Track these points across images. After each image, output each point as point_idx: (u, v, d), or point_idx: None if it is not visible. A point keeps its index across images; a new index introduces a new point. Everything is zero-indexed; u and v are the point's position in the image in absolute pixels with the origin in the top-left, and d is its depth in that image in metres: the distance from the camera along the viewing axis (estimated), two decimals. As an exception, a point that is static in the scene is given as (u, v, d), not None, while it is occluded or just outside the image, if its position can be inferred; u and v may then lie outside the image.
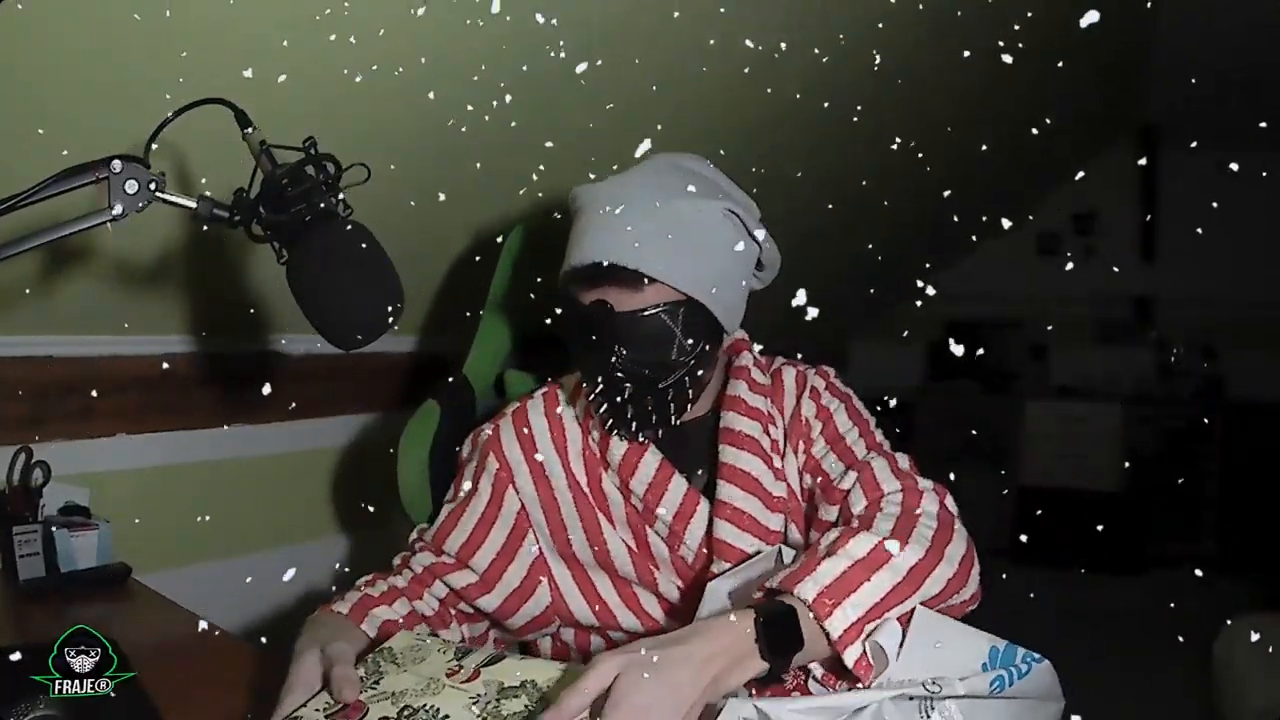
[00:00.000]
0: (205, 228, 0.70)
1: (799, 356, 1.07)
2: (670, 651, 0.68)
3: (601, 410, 0.93)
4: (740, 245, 0.91)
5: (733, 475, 0.94)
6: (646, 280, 0.87)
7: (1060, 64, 2.70)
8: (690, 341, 0.90)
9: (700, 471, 0.99)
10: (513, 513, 0.99)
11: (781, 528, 0.95)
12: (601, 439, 0.98)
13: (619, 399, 0.91)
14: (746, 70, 1.73)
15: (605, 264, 0.86)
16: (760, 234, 0.93)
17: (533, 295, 1.25)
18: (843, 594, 0.74)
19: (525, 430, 1.01)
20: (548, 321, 1.05)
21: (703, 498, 0.95)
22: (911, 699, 0.73)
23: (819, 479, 0.95)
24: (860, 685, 0.75)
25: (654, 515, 0.95)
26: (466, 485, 1.01)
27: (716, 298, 0.90)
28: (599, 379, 0.91)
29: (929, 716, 0.72)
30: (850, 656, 0.73)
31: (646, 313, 0.88)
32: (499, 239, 1.27)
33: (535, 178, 1.58)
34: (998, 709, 0.75)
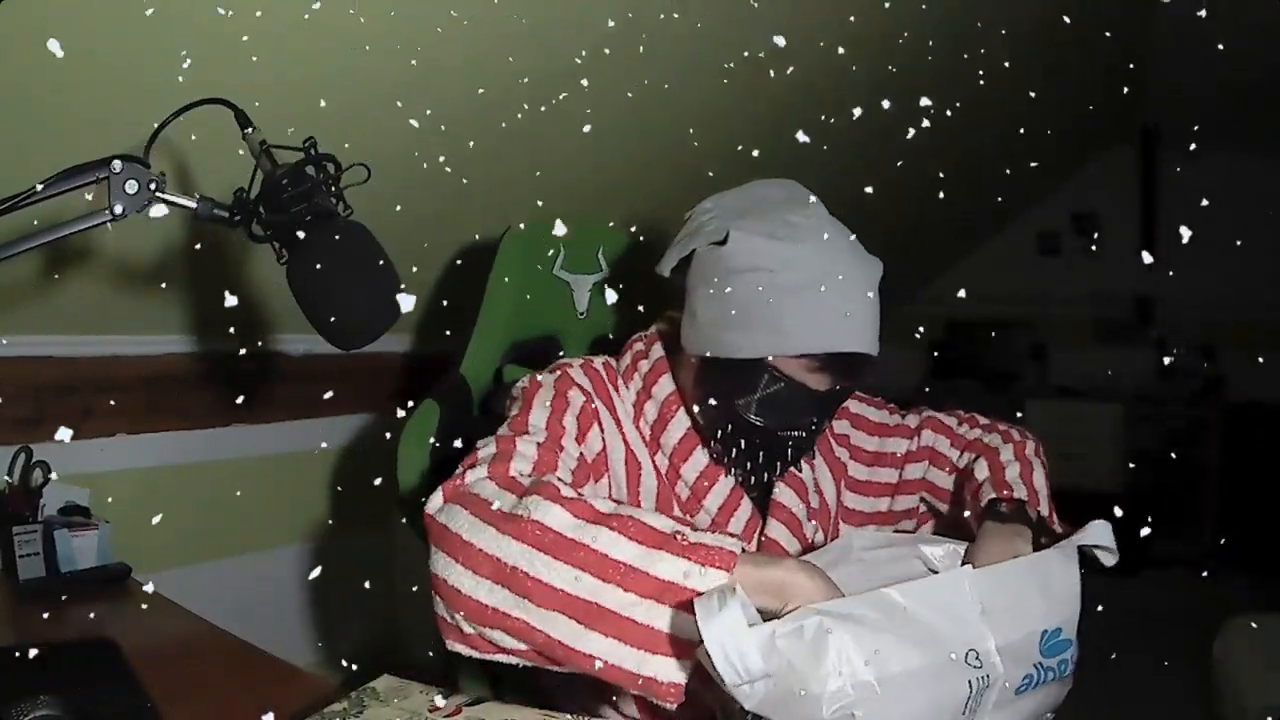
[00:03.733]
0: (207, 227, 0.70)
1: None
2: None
3: (752, 466, 0.93)
4: None
5: (791, 481, 0.99)
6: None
7: (1060, 64, 2.70)
8: None
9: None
10: (594, 452, 0.92)
11: (813, 536, 1.00)
12: (658, 420, 0.97)
13: (785, 460, 0.93)
14: (746, 75, 1.73)
15: (856, 353, 0.87)
16: None
17: (528, 295, 1.25)
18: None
19: (604, 388, 0.98)
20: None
21: (746, 496, 0.97)
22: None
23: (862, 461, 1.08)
24: None
25: (699, 504, 0.96)
26: (540, 413, 0.88)
27: None
28: (770, 442, 0.91)
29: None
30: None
31: (848, 387, 0.92)
32: (496, 239, 1.27)
33: (535, 176, 1.58)
34: (1014, 711, 0.75)
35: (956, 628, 0.71)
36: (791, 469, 0.99)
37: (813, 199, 0.95)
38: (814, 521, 1.01)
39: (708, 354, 0.90)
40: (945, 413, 1.11)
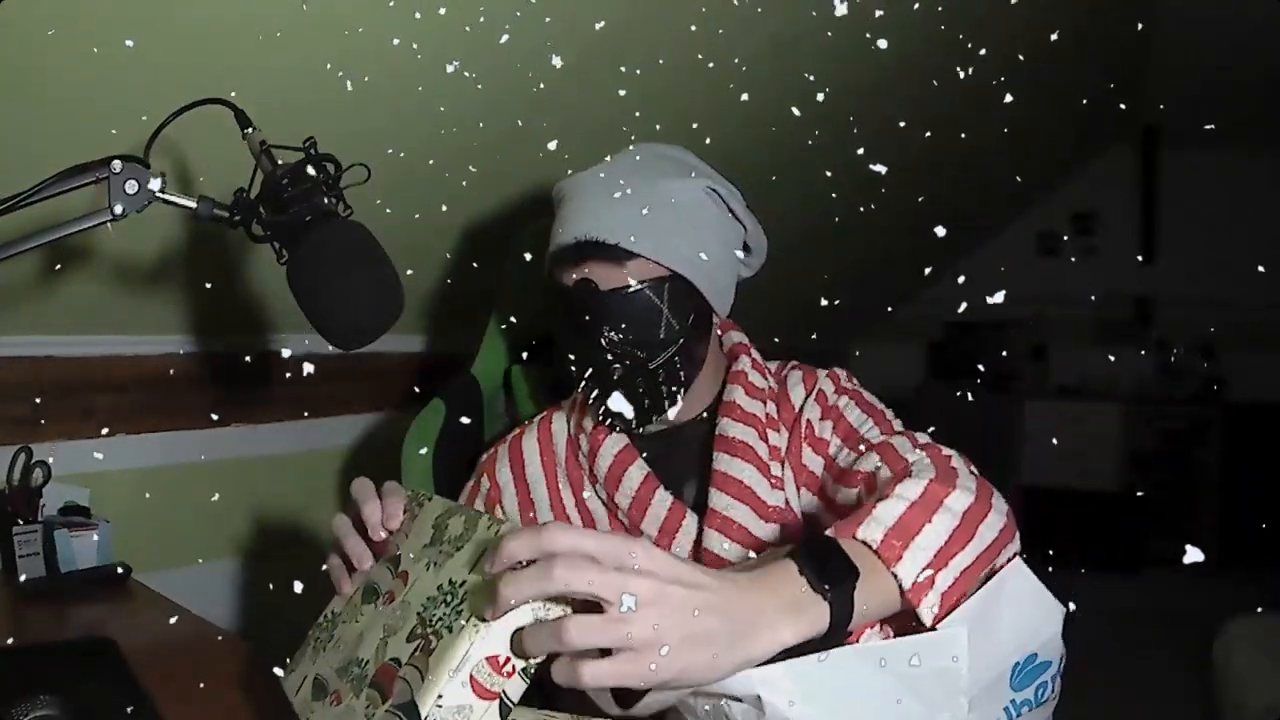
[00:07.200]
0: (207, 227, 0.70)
1: (790, 363, 1.05)
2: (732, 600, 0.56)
3: (593, 398, 0.90)
4: (723, 222, 0.92)
5: (724, 483, 0.90)
6: (627, 256, 0.86)
7: (1060, 64, 2.70)
8: (678, 319, 0.89)
9: (691, 482, 0.96)
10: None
11: (776, 538, 0.90)
12: (590, 452, 0.95)
13: (610, 383, 0.89)
14: (746, 71, 1.73)
15: (585, 240, 0.86)
16: (742, 213, 0.94)
17: (538, 297, 1.25)
18: (908, 536, 0.65)
19: (519, 452, 1.01)
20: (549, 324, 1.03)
21: (690, 511, 0.92)
22: None
23: (832, 472, 0.89)
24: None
25: (639, 531, 0.93)
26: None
27: (701, 272, 0.89)
28: (588, 364, 0.89)
29: None
30: (927, 612, 0.64)
31: (630, 289, 0.87)
32: (500, 239, 1.27)
33: (537, 178, 1.58)
34: None
35: (940, 696, 0.61)
36: (728, 473, 0.90)
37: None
38: (775, 523, 0.90)
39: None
40: (907, 436, 0.90)
